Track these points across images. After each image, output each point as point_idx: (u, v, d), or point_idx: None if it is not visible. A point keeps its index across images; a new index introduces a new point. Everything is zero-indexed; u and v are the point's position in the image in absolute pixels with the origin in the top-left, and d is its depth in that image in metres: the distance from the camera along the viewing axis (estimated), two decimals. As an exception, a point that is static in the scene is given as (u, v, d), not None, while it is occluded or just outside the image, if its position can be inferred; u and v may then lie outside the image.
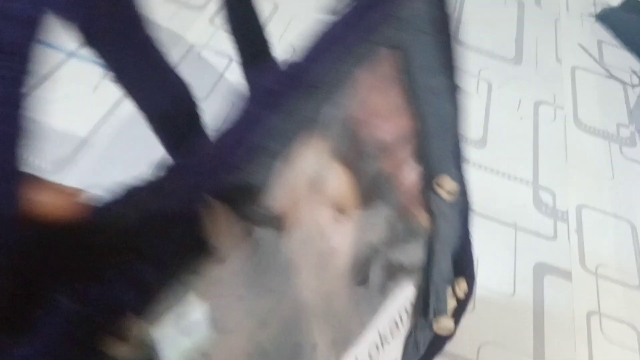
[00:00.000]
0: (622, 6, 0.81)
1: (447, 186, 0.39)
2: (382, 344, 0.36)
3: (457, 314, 0.41)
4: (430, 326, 0.39)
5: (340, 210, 0.30)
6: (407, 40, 0.29)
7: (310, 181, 0.26)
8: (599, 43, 0.78)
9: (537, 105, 0.66)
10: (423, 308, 0.39)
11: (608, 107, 0.69)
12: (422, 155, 0.33)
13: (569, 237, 0.54)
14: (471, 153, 0.59)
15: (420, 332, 0.39)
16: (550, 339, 0.46)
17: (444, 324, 0.39)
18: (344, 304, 0.32)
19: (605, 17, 0.81)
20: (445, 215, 0.37)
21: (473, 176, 0.55)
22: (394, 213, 0.33)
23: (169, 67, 0.23)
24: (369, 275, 0.32)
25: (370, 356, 0.34)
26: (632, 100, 0.71)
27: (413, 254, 0.36)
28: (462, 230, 0.41)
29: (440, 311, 0.40)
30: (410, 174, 0.34)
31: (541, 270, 0.50)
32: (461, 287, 0.41)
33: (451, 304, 0.40)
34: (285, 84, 0.23)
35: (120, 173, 0.45)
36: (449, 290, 0.41)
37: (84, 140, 0.49)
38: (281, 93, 0.22)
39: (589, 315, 0.49)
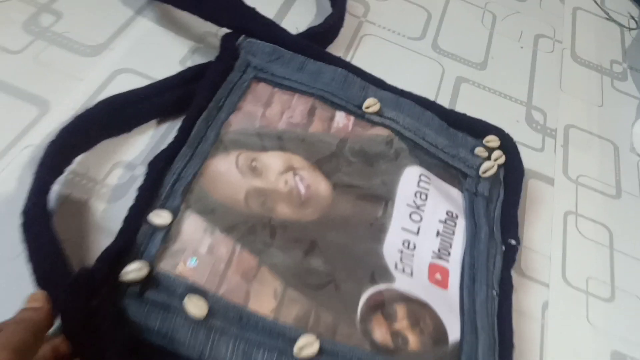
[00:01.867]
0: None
1: (372, 108, 0.49)
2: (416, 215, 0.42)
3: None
4: (478, 179, 0.48)
5: (292, 170, 0.44)
6: None
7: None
8: (603, -11, 0.82)
9: (537, 37, 0.71)
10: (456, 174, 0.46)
11: (604, 45, 0.74)
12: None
13: (555, 150, 0.59)
14: (472, 74, 0.64)
15: (475, 192, 0.49)
16: (529, 231, 0.52)
17: (486, 167, 0.49)
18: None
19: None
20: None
21: (472, 94, 0.60)
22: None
23: None
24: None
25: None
26: (628, 42, 0.75)
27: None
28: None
29: (474, 164, 0.46)
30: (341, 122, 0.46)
31: (526, 175, 0.55)
32: (491, 140, 0.47)
33: (484, 154, 0.51)
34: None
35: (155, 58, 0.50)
36: (477, 149, 0.47)
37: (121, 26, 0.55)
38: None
39: (566, 214, 0.54)
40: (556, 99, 0.64)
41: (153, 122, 0.49)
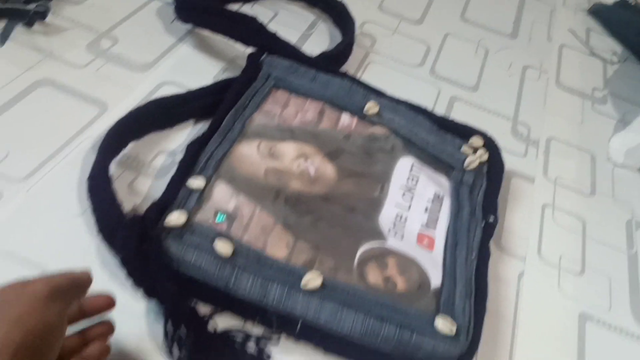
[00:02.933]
0: (614, 4, 0.96)
1: (371, 110, 0.60)
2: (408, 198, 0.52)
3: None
4: (463, 171, 0.57)
5: (304, 156, 0.53)
6: None
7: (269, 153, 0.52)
8: (588, 30, 0.93)
9: (525, 68, 0.81)
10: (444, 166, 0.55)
11: (587, 76, 0.83)
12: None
13: (537, 156, 0.68)
14: (465, 95, 0.74)
15: (460, 181, 0.57)
16: (510, 219, 0.60)
17: (470, 161, 0.58)
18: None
19: (597, 11, 0.96)
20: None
21: (464, 112, 0.70)
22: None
23: None
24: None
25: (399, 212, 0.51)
26: (610, 74, 0.85)
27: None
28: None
29: (460, 159, 0.58)
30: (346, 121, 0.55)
31: (509, 175, 0.64)
32: (475, 141, 0.57)
33: (469, 152, 0.59)
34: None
35: (192, 74, 0.62)
36: (463, 148, 0.56)
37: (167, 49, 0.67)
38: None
39: (544, 206, 0.63)
40: (540, 116, 0.74)
41: (191, 121, 0.59)
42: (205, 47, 0.68)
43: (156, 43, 0.67)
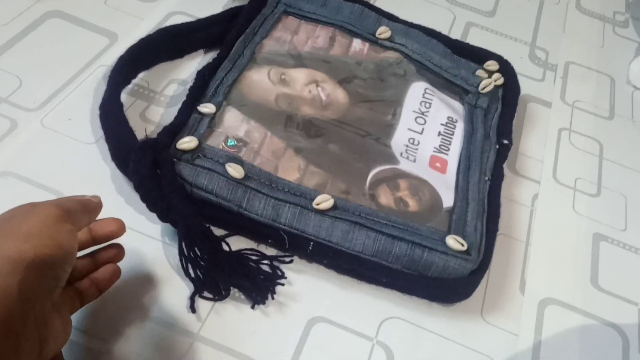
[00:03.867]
0: None
1: (383, 34, 0.59)
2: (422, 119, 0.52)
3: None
4: (478, 95, 0.56)
5: (316, 82, 0.53)
6: None
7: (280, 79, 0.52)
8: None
9: (545, -10, 0.78)
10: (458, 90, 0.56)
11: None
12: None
13: (554, 81, 0.67)
14: (481, 20, 0.72)
15: (475, 105, 0.56)
16: (525, 142, 0.59)
17: (485, 84, 0.56)
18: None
19: None
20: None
21: (480, 38, 0.68)
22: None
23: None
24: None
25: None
26: (633, -3, 0.81)
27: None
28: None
29: (475, 83, 0.57)
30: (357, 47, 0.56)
31: (526, 99, 0.63)
32: (491, 64, 0.55)
33: (484, 75, 0.57)
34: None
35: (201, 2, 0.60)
36: (478, 72, 0.55)
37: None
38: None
39: (560, 130, 0.61)
40: (559, 41, 0.71)
41: (201, 51, 0.59)
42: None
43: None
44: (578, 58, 0.70)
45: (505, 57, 0.62)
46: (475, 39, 0.68)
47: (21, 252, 0.28)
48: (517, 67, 0.62)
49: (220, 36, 0.57)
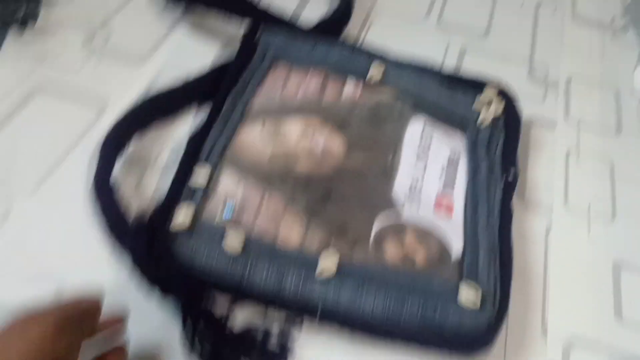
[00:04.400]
0: None
1: (376, 75, 0.56)
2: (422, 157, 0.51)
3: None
4: (478, 127, 0.54)
5: (310, 131, 0.52)
6: None
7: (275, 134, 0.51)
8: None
9: (538, 4, 0.76)
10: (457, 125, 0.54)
11: (604, 4, 0.78)
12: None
13: (556, 99, 0.64)
14: (475, 44, 0.70)
15: (476, 138, 0.54)
16: (532, 169, 0.57)
17: (484, 116, 0.55)
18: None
19: None
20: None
21: (476, 62, 0.66)
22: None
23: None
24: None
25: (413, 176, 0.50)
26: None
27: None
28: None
29: (473, 115, 0.55)
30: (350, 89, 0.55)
31: (529, 123, 0.61)
32: (489, 92, 0.53)
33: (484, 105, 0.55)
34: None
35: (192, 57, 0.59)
36: (477, 102, 0.55)
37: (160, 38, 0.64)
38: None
39: (568, 151, 0.59)
40: (558, 55, 0.69)
41: (193, 109, 0.57)
42: (201, 29, 0.66)
43: (151, 31, 0.65)
44: (579, 71, 0.68)
45: (504, 78, 0.61)
46: (472, 63, 0.66)
47: None
48: (517, 87, 0.60)
49: (212, 91, 0.56)
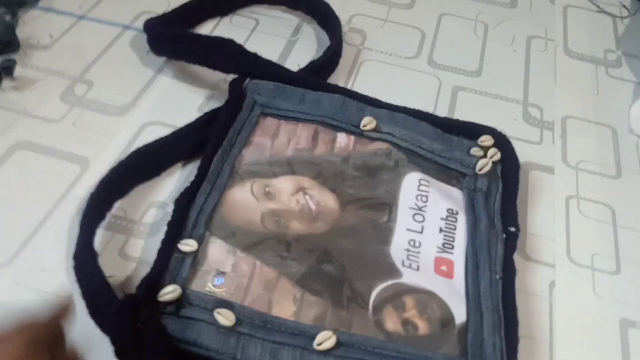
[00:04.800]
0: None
1: (369, 125, 0.55)
2: (419, 216, 0.48)
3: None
4: (476, 177, 0.52)
5: (302, 190, 0.49)
6: None
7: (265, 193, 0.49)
8: (592, -15, 0.85)
9: (529, 39, 0.75)
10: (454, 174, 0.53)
11: (597, 37, 0.77)
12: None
13: (553, 141, 0.63)
14: (468, 82, 0.68)
15: (474, 189, 0.52)
16: (532, 218, 0.55)
17: (482, 164, 0.53)
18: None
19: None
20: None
21: (469, 101, 0.65)
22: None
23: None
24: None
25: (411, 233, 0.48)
26: (621, 31, 0.78)
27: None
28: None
29: (471, 164, 0.53)
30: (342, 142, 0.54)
31: (526, 168, 0.59)
32: (485, 140, 0.51)
33: (480, 153, 0.54)
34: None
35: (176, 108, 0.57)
36: (473, 150, 0.54)
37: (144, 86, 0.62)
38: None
39: (568, 198, 0.57)
40: (551, 94, 0.68)
41: (179, 164, 0.55)
42: (186, 76, 0.64)
43: (133, 80, 0.63)
44: (574, 110, 0.66)
45: (498, 120, 0.59)
46: (465, 104, 0.65)
47: None
48: (512, 130, 0.59)
49: (198, 145, 0.54)
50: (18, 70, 0.60)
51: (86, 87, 0.61)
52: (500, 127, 0.58)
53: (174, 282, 0.42)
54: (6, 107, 0.58)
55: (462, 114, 0.62)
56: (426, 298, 0.44)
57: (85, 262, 0.44)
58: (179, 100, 0.61)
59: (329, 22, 0.68)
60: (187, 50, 0.60)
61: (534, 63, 0.71)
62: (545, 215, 0.56)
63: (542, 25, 0.77)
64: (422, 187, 0.52)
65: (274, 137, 0.54)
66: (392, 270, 0.46)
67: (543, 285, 0.50)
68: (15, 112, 0.58)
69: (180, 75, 0.64)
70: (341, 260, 0.46)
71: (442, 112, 0.63)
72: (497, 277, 0.46)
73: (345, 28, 0.72)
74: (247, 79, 0.57)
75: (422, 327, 0.43)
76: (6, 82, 0.60)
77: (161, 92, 0.62)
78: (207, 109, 0.59)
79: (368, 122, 0.55)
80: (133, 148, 0.54)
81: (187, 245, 0.44)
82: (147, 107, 0.60)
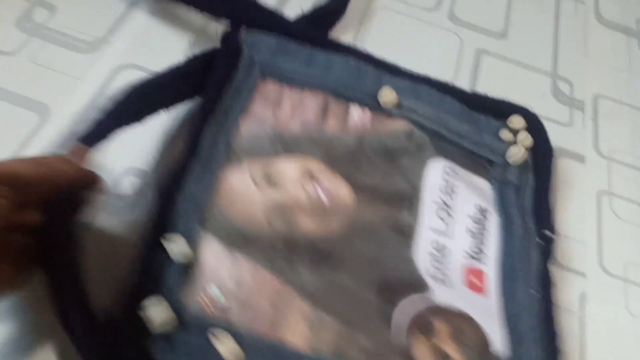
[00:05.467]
0: None
1: (388, 99, 0.46)
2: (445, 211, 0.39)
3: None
4: (505, 166, 0.45)
5: (310, 174, 0.41)
6: None
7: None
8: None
9: (558, 1, 0.66)
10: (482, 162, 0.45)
11: (629, 3, 0.68)
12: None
13: (583, 124, 0.56)
14: (492, 45, 0.60)
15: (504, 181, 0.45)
16: (560, 215, 0.49)
17: (513, 152, 0.45)
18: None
19: None
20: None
21: (493, 68, 0.56)
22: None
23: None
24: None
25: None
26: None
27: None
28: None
29: (500, 150, 0.45)
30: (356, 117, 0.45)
31: (555, 154, 0.52)
32: (516, 121, 0.44)
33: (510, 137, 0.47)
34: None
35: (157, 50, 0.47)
36: (502, 132, 0.45)
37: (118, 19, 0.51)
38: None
39: (599, 194, 0.51)
40: (582, 67, 0.60)
41: (159, 121, 0.45)
42: (166, 14, 0.53)
43: (105, 9, 0.52)
44: (607, 88, 0.59)
45: (526, 94, 0.53)
46: (489, 73, 0.57)
47: None
48: (540, 107, 0.52)
49: (187, 92, 0.44)
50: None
51: (48, 13, 0.50)
52: (527, 102, 0.52)
53: (161, 294, 0.34)
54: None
55: (487, 83, 0.55)
56: (458, 320, 0.38)
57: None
58: (159, 41, 0.51)
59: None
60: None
61: (563, 29, 0.63)
62: (575, 213, 0.50)
63: (572, -18, 0.68)
64: (447, 177, 0.44)
65: (276, 106, 0.45)
66: (417, 282, 0.39)
67: (572, 297, 0.45)
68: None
69: (159, 12, 0.53)
70: (358, 270, 0.39)
71: (463, 79, 0.56)
72: (534, 292, 0.40)
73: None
74: (242, 30, 0.47)
75: (456, 357, 0.36)
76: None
77: (138, 30, 0.51)
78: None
79: (388, 95, 0.46)
80: (105, 96, 0.44)
81: (175, 244, 0.36)
82: (121, 45, 0.50)
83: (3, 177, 0.28)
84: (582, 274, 0.46)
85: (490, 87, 0.54)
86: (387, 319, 0.37)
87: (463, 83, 0.55)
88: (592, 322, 0.44)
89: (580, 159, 0.53)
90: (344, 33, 0.56)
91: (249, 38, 0.47)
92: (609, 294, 0.46)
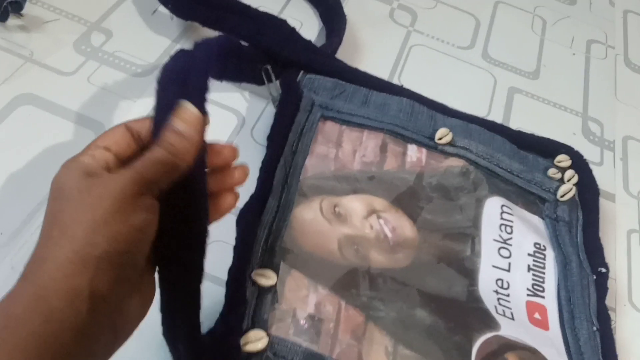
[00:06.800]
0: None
1: (445, 138, 0.49)
2: (505, 243, 0.43)
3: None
4: (556, 203, 0.48)
5: (375, 212, 0.43)
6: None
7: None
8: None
9: (589, 43, 0.69)
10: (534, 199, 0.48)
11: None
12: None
13: (614, 164, 0.57)
14: (524, 84, 0.61)
15: (556, 218, 0.47)
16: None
17: (564, 190, 0.48)
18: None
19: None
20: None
21: (526, 106, 0.58)
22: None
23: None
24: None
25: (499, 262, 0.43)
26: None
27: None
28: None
29: (551, 187, 0.48)
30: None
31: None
32: (562, 160, 0.45)
33: (558, 176, 0.49)
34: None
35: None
36: (550, 171, 0.49)
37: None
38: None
39: (629, 232, 0.52)
40: (612, 109, 0.63)
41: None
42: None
43: (157, 37, 0.54)
44: (636, 130, 0.61)
45: (557, 133, 0.56)
46: (522, 110, 0.60)
47: (91, 246, 0.24)
48: (572, 146, 0.52)
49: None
50: (27, 7, 0.51)
51: (104, 37, 0.52)
52: (559, 140, 0.53)
53: (253, 324, 0.36)
54: (10, 50, 0.49)
55: (519, 120, 0.57)
56: (529, 355, 0.40)
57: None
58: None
59: (334, 17, 0.59)
60: (227, 19, 0.50)
61: (593, 71, 0.66)
62: (606, 250, 0.50)
63: (602, 28, 0.71)
64: (505, 215, 0.46)
65: (338, 146, 0.47)
66: (488, 320, 0.41)
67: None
68: (21, 57, 0.49)
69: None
70: (432, 304, 0.40)
71: (497, 115, 0.58)
72: (594, 328, 0.41)
73: (393, 4, 0.64)
74: (301, 73, 0.49)
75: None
76: (13, 20, 0.50)
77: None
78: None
79: (444, 134, 0.49)
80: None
81: (264, 276, 0.37)
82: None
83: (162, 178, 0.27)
84: (613, 309, 0.47)
85: (523, 125, 0.56)
86: (466, 355, 0.39)
87: (496, 120, 0.56)
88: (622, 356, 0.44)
89: (611, 197, 0.55)
90: (381, 70, 0.57)
91: (306, 80, 0.50)
92: (638, 330, 0.46)
